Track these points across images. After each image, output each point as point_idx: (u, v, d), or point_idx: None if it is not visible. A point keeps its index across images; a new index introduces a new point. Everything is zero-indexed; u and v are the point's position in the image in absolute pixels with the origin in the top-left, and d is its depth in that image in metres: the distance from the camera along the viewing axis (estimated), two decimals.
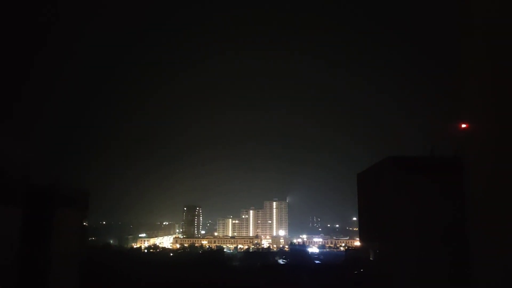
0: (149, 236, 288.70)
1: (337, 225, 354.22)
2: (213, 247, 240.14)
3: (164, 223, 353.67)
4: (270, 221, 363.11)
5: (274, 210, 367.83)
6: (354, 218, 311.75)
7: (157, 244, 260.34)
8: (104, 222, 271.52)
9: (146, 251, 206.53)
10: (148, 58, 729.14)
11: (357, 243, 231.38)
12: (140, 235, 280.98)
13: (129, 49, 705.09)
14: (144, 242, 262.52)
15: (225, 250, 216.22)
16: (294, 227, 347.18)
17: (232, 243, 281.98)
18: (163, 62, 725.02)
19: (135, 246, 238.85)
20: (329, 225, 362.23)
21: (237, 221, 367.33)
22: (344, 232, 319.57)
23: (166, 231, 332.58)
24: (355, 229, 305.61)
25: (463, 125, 26.27)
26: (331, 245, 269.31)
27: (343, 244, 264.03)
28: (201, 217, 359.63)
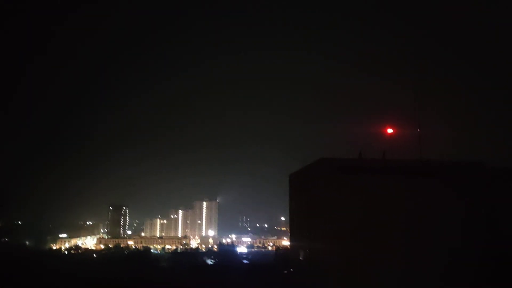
0: (71, 236, 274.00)
1: (266, 225, 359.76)
2: (139, 248, 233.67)
3: (87, 223, 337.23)
4: (199, 221, 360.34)
5: (204, 210, 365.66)
6: (283, 218, 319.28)
7: (79, 244, 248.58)
8: (19, 222, 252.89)
9: (66, 252, 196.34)
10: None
11: (285, 242, 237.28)
12: (60, 236, 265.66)
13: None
14: (65, 243, 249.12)
15: (152, 250, 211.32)
16: (224, 227, 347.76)
17: (159, 244, 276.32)
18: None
19: (54, 247, 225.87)
20: (258, 225, 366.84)
21: (165, 221, 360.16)
22: (272, 231, 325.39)
23: (90, 231, 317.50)
24: (283, 228, 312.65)
25: (389, 130, 27.66)
26: (260, 245, 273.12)
27: (271, 244, 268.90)
28: (127, 217, 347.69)
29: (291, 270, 23.99)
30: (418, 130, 26.12)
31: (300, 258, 22.60)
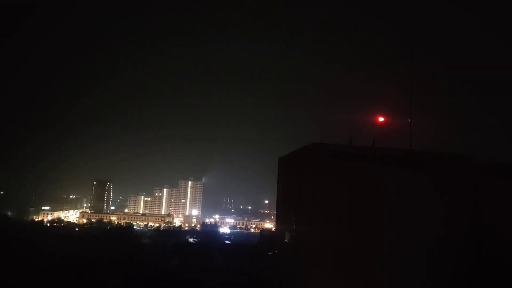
0: (54, 209, 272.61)
1: (249, 207, 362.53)
2: (122, 224, 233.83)
3: (71, 197, 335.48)
4: (183, 200, 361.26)
5: (189, 190, 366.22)
6: (266, 201, 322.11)
7: (62, 217, 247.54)
8: (1, 192, 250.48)
9: (49, 224, 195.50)
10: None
11: (267, 225, 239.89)
12: (43, 208, 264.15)
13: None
14: (47, 215, 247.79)
15: (135, 227, 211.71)
16: (208, 207, 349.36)
17: (142, 221, 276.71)
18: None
19: (37, 219, 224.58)
20: (241, 207, 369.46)
21: (149, 199, 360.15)
22: (255, 214, 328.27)
23: (73, 205, 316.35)
24: (266, 211, 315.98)
25: (380, 119, 27.66)
26: (242, 226, 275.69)
27: (254, 226, 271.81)
28: (111, 193, 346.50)
29: (276, 251, 24.18)
30: (409, 120, 26.08)
31: (286, 241, 22.76)
